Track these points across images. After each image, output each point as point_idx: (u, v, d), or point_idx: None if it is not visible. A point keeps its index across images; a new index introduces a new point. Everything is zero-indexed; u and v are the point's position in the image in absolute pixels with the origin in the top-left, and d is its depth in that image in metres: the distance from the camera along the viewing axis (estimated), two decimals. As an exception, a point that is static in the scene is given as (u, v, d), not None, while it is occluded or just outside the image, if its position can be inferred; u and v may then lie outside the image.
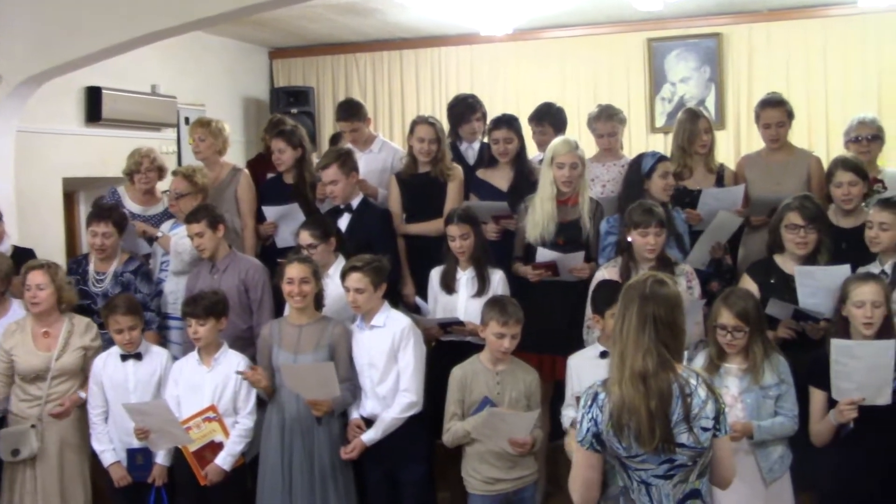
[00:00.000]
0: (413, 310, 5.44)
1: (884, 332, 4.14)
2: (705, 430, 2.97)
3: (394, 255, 5.45)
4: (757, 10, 9.18)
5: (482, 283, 5.12)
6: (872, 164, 5.67)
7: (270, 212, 5.80)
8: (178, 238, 5.55)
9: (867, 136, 5.69)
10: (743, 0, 8.84)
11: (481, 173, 5.86)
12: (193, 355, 4.89)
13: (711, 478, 3.11)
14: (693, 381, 3.00)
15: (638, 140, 9.24)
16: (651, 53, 9.52)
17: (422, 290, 5.51)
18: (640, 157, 5.28)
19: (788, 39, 9.22)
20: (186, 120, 8.18)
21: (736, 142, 9.19)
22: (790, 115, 5.77)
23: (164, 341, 5.46)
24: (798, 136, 8.61)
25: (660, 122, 9.45)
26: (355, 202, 5.65)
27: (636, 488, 3.03)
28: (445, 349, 5.16)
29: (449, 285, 5.20)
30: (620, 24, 9.48)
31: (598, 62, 9.62)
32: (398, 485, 4.79)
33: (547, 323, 5.12)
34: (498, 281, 5.15)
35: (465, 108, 6.18)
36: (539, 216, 5.21)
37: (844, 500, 4.15)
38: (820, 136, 8.94)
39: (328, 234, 5.18)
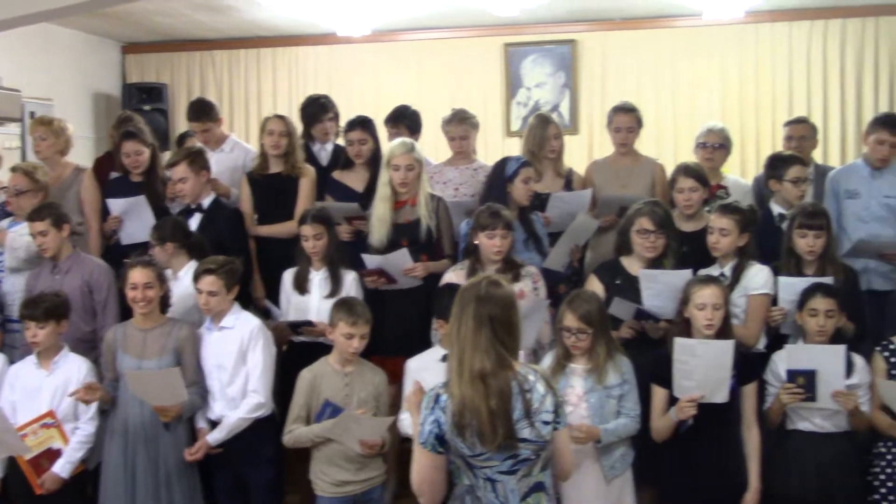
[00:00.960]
0: (263, 312, 5.39)
1: (723, 332, 4.31)
2: (546, 423, 3.04)
3: (245, 256, 5.39)
4: (610, 19, 9.41)
5: (335, 284, 5.11)
6: (716, 171, 5.88)
7: (116, 205, 5.64)
8: (17, 234, 5.35)
9: (713, 144, 5.90)
10: (597, 8, 9.03)
11: (337, 174, 5.85)
12: (31, 359, 4.72)
13: (553, 470, 3.18)
14: (531, 377, 3.06)
15: (494, 144, 9.35)
16: (507, 58, 9.65)
17: (271, 294, 5.46)
18: (504, 161, 5.33)
19: (639, 48, 9.48)
20: (32, 114, 7.86)
21: (589, 146, 9.39)
22: (639, 122, 5.96)
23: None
24: (647, 142, 8.84)
25: (515, 126, 9.57)
26: (206, 202, 5.56)
27: (482, 485, 3.07)
28: (298, 351, 5.12)
29: (301, 286, 5.17)
30: (478, 29, 9.58)
31: (456, 65, 9.69)
32: (247, 488, 4.74)
33: (400, 325, 5.16)
34: (351, 282, 5.15)
35: (317, 108, 6.17)
36: (376, 218, 5.28)
37: (684, 494, 4.30)
38: (668, 143, 9.21)
39: (164, 240, 5.09)
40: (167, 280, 4.81)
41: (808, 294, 4.41)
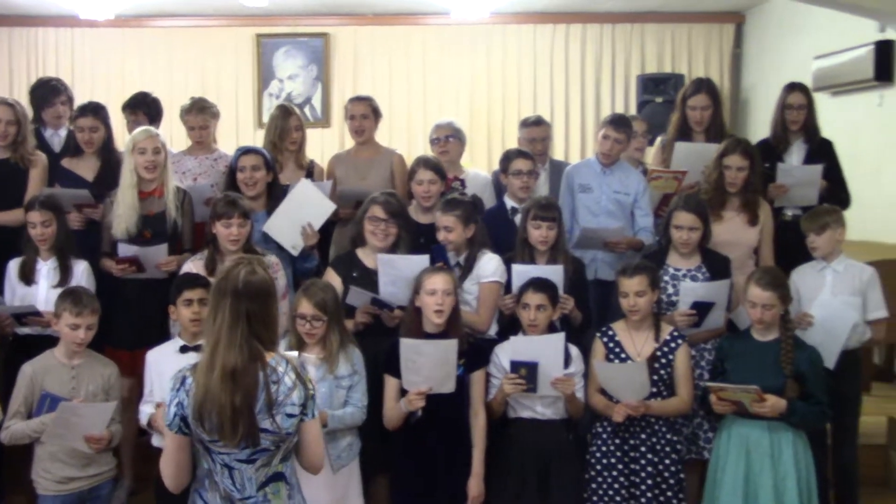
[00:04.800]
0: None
1: (453, 318, 4.43)
2: (290, 416, 3.02)
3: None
4: (361, 14, 9.50)
5: (64, 274, 4.92)
6: (454, 163, 6.02)
7: None
8: None
9: (443, 137, 6.04)
10: (349, 3, 9.09)
11: (66, 162, 5.60)
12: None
13: (301, 462, 3.18)
14: (281, 369, 3.04)
15: (246, 135, 9.27)
16: (260, 49, 9.58)
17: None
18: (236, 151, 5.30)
19: (391, 43, 9.63)
20: None
21: (341, 139, 9.45)
22: (375, 111, 6.02)
23: None
24: (398, 137, 9.09)
25: (267, 117, 9.47)
26: (-79, 189, 5.24)
27: (219, 471, 3.04)
28: (25, 345, 4.87)
29: (28, 276, 4.94)
30: (229, 18, 9.46)
31: (207, 55, 9.54)
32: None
33: (136, 317, 5.04)
34: (82, 272, 4.97)
35: (48, 91, 5.89)
36: (122, 208, 5.10)
37: (414, 480, 4.39)
38: (419, 138, 9.40)
39: None
40: None
41: (522, 288, 4.58)
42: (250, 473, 3.05)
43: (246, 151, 5.25)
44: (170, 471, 3.07)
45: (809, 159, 5.73)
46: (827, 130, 5.93)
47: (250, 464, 3.04)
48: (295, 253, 5.16)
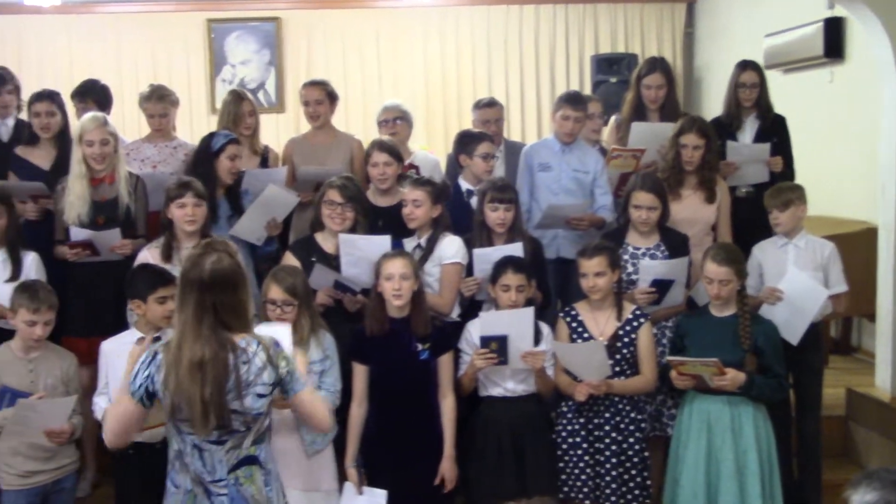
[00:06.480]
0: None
1: (417, 302, 4.41)
2: (261, 396, 3.02)
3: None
4: (314, -3, 9.47)
5: (15, 267, 4.83)
6: (403, 145, 5.98)
7: None
8: None
9: (391, 119, 6.06)
10: (300, -14, 9.06)
11: (20, 151, 5.52)
12: None
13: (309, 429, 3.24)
14: (252, 349, 3.04)
15: (199, 121, 9.17)
16: (211, 34, 9.48)
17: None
18: (211, 136, 5.26)
19: (344, 27, 9.59)
20: None
21: (296, 125, 9.34)
22: (331, 95, 5.98)
23: None
24: (354, 120, 9.04)
25: (221, 103, 9.40)
26: None
27: (189, 452, 3.04)
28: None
29: (-23, 271, 4.85)
30: (178, 3, 9.38)
31: (157, 41, 9.43)
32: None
33: (92, 305, 4.99)
34: (30, 263, 4.88)
35: None
36: (73, 196, 5.03)
37: (387, 466, 4.36)
38: (374, 122, 9.32)
39: None
40: None
41: (499, 269, 4.56)
42: (220, 455, 3.04)
43: (237, 140, 5.29)
44: (117, 428, 3.08)
45: (761, 136, 5.80)
46: (779, 108, 5.99)
47: (220, 445, 3.03)
48: (259, 243, 5.15)
